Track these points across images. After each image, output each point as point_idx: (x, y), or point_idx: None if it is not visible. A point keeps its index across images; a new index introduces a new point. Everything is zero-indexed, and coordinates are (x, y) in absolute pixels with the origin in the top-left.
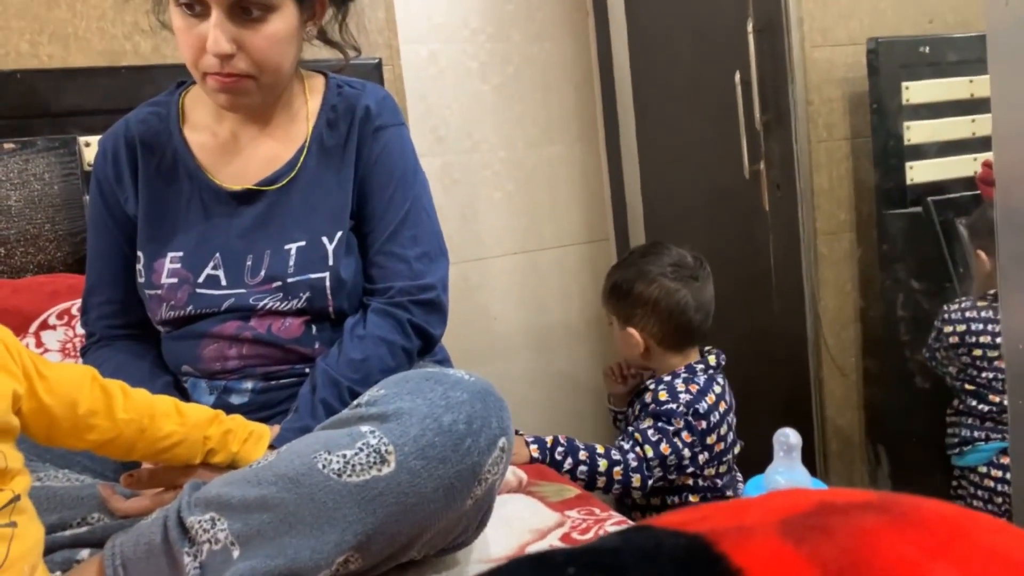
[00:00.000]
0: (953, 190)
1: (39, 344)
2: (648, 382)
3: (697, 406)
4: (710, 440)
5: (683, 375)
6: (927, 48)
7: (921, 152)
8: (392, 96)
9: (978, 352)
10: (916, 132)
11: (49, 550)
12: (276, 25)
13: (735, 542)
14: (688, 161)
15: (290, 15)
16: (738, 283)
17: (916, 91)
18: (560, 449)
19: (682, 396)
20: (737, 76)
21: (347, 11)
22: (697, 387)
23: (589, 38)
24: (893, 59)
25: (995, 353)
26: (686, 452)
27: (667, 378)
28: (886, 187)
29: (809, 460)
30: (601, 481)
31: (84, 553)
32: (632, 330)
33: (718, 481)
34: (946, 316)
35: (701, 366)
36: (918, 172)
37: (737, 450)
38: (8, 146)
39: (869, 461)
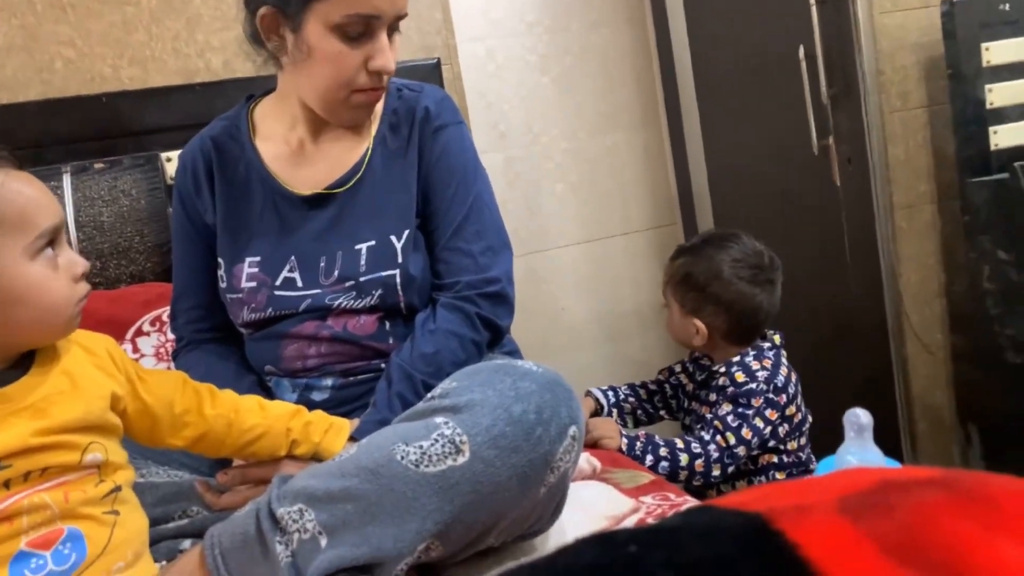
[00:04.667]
0: None
1: (135, 350)
2: (717, 366)
3: (775, 380)
4: (789, 411)
5: (752, 353)
6: (1007, 5)
7: (1004, 116)
8: (450, 96)
9: None
10: (999, 95)
11: (154, 541)
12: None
13: (793, 520)
14: (754, 140)
15: None
16: (811, 262)
17: (997, 52)
18: (639, 445)
19: (759, 374)
20: (801, 51)
21: None
22: (770, 361)
23: (647, 22)
24: (970, 19)
25: None
26: (767, 430)
27: (736, 359)
28: (968, 155)
29: (895, 441)
30: (683, 475)
31: (186, 543)
32: (698, 321)
33: (801, 455)
34: None
35: (767, 344)
36: (1003, 137)
37: (809, 422)
38: (98, 166)
39: (960, 442)
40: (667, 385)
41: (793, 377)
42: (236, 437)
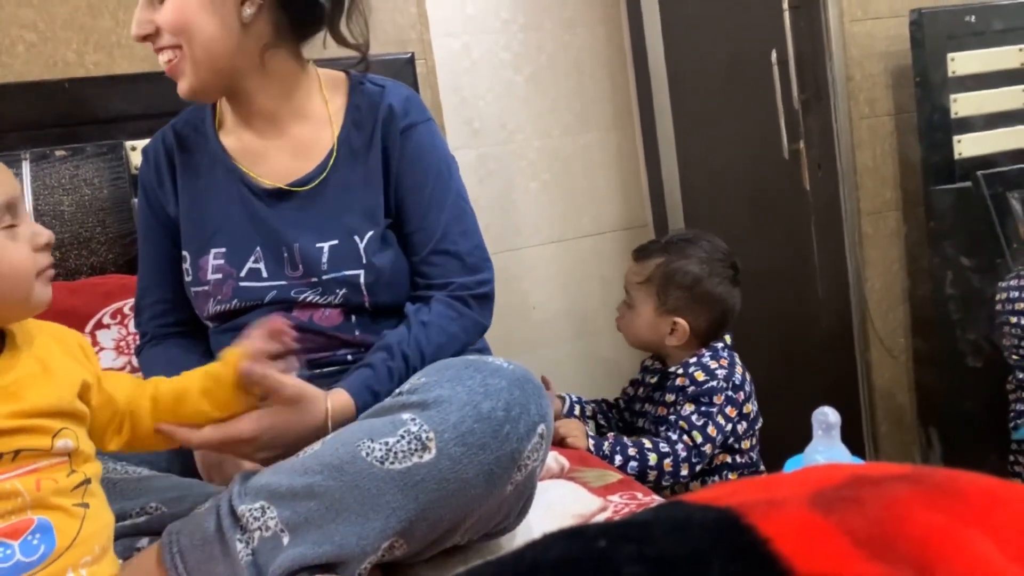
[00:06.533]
0: (1004, 163)
1: (95, 343)
2: (675, 368)
3: (734, 378)
4: (747, 409)
5: (708, 354)
6: (972, 17)
7: (969, 125)
8: (416, 93)
9: (1012, 320)
10: (963, 104)
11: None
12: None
13: (764, 513)
14: (726, 143)
15: None
16: (780, 265)
17: (962, 62)
18: (607, 445)
19: (719, 372)
20: (773, 55)
21: (349, 5)
22: (726, 360)
23: (621, 22)
24: (937, 30)
25: None
26: (729, 427)
27: (693, 360)
28: (933, 162)
29: (858, 443)
30: (652, 475)
31: (143, 541)
32: (680, 320)
33: (752, 455)
34: (997, 288)
35: (721, 344)
36: (966, 146)
37: (760, 422)
38: (59, 153)
39: (921, 444)
40: (621, 400)
41: (748, 376)
42: (164, 407)
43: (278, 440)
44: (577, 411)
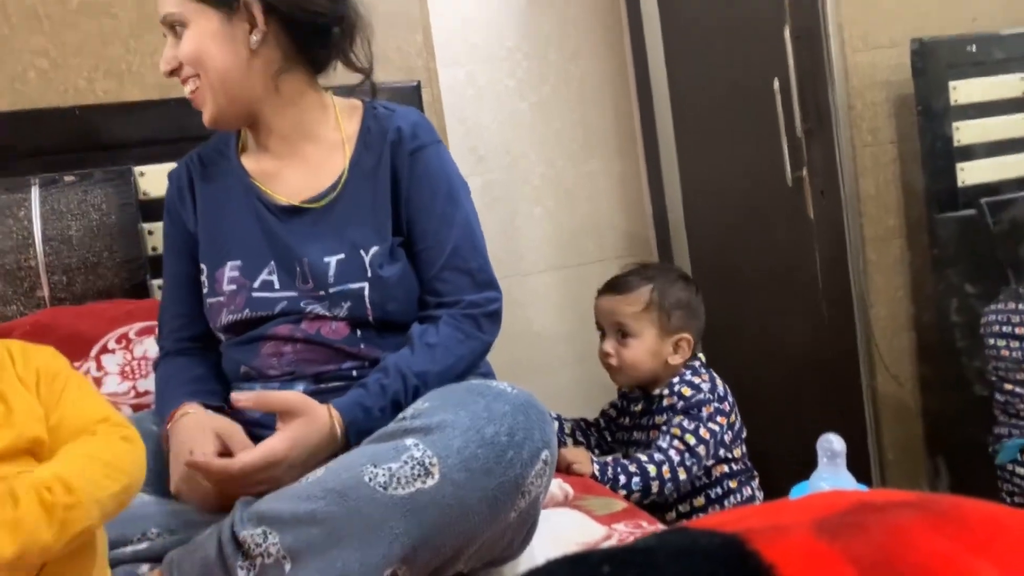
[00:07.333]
0: (1007, 190)
1: (100, 367)
2: (659, 389)
3: (718, 390)
4: (732, 419)
5: (688, 372)
6: (973, 46)
7: (971, 153)
8: (425, 117)
9: (990, 342)
10: (965, 133)
11: (112, 565)
12: (193, 31)
13: (768, 540)
14: (729, 170)
15: (207, 22)
16: (784, 292)
17: (964, 91)
18: (610, 468)
19: (703, 386)
20: (776, 83)
21: (351, 31)
22: (707, 375)
23: (625, 53)
24: (938, 59)
25: (1003, 342)
26: (720, 434)
27: (676, 379)
28: (936, 190)
29: (864, 470)
30: (655, 486)
31: (144, 568)
32: (687, 334)
33: (747, 462)
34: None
35: (697, 362)
36: (969, 174)
37: (745, 430)
38: (68, 179)
39: (929, 472)
40: (601, 420)
41: (727, 388)
42: None
43: (301, 454)
44: (569, 444)
